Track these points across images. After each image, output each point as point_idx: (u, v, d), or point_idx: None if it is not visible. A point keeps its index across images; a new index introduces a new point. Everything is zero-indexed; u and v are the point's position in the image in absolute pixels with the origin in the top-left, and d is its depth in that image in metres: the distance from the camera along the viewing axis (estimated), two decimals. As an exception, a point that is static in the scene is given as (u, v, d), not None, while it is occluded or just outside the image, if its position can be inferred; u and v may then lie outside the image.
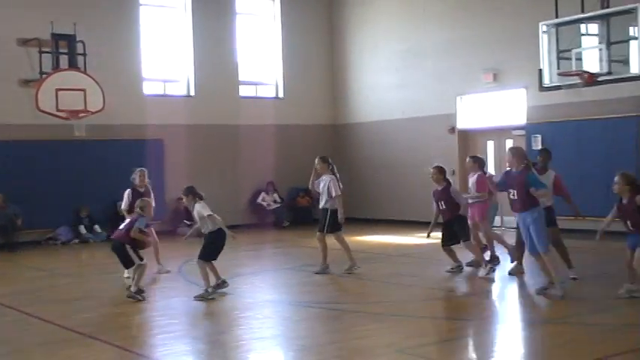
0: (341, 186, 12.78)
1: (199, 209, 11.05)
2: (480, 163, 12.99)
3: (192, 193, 11.19)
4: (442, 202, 12.34)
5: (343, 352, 7.89)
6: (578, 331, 8.56)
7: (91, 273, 14.35)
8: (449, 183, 12.47)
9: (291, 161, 22.25)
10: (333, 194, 12.58)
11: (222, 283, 11.09)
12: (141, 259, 10.97)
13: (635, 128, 16.76)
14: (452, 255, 12.58)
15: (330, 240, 12.79)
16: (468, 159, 13.24)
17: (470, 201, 12.66)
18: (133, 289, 10.85)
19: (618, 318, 9.06)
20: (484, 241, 13.10)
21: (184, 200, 11.43)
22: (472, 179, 12.86)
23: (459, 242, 12.36)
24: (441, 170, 12.48)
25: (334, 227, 12.75)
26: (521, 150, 10.87)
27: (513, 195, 10.42)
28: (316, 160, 13.02)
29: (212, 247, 11.08)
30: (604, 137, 17.27)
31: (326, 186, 12.68)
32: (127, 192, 13.09)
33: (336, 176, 12.80)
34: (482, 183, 12.54)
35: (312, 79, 23.73)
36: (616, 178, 9.29)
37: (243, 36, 22.68)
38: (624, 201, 9.39)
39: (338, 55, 24.01)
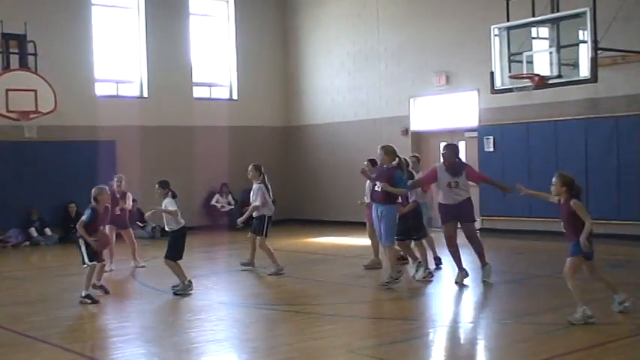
0: (271, 197, 13.21)
1: (167, 204, 11.23)
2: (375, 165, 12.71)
3: (169, 188, 11.35)
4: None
5: (296, 354, 7.90)
6: (527, 330, 8.67)
7: (42, 276, 14.15)
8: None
9: (244, 163, 21.87)
10: (256, 203, 12.98)
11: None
12: (90, 259, 10.84)
13: (584, 130, 17.07)
14: (409, 251, 12.48)
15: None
16: (366, 162, 13.10)
17: (367, 201, 12.89)
18: (83, 293, 10.73)
19: (565, 317, 9.18)
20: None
21: (157, 193, 11.39)
22: (368, 182, 12.72)
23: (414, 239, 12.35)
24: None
25: (261, 230, 13.13)
26: (392, 148, 11.51)
27: (377, 187, 11.23)
28: (249, 168, 13.40)
29: (177, 245, 11.32)
30: (554, 139, 17.55)
31: (254, 194, 13.10)
32: None
33: (266, 186, 13.14)
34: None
35: (266, 81, 23.72)
36: (554, 179, 9.22)
37: (197, 37, 22.58)
38: (561, 200, 9.34)
39: (291, 58, 24.03)
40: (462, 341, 8.54)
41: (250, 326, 9.40)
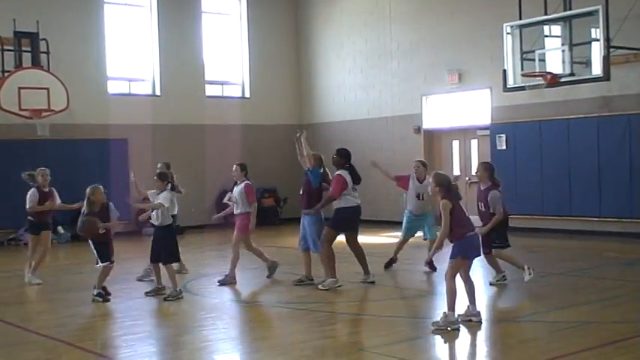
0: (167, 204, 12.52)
1: (163, 198, 10.98)
2: (246, 170, 12.42)
3: (168, 180, 11.18)
4: (482, 204, 11.05)
5: (308, 352, 7.90)
6: (537, 329, 8.65)
7: (54, 274, 14.19)
8: (494, 184, 10.91)
9: (256, 161, 22.18)
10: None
11: (162, 289, 11.10)
12: (103, 260, 10.80)
13: (596, 128, 17.00)
14: (494, 263, 11.30)
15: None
16: (235, 166, 12.53)
17: (236, 211, 12.29)
18: (94, 291, 10.74)
19: (576, 316, 9.17)
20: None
21: (155, 185, 11.17)
22: (238, 188, 12.30)
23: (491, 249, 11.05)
24: (486, 167, 11.12)
25: None
26: (317, 155, 11.89)
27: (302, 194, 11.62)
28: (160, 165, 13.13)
29: (174, 243, 11.05)
30: (566, 137, 17.50)
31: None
32: (31, 191, 12.67)
33: (174, 190, 12.30)
34: (250, 192, 12.20)
35: (278, 79, 23.73)
36: (430, 178, 8.94)
37: (209, 35, 22.62)
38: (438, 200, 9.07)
39: (304, 55, 24.03)
40: (473, 339, 8.51)
41: (262, 324, 9.41)
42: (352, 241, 11.85)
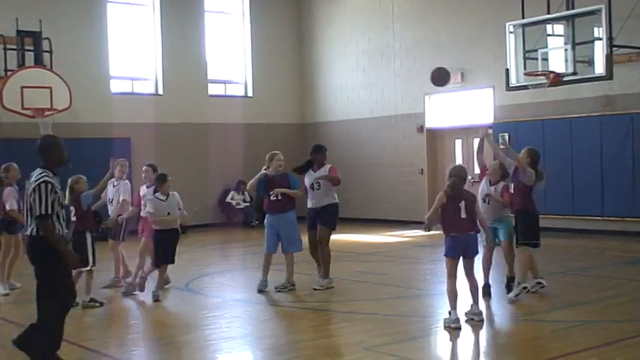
0: (127, 198, 11.92)
1: (179, 200, 10.98)
2: (157, 172, 11.62)
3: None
4: (512, 185, 10.78)
5: (311, 351, 7.92)
6: (539, 328, 8.66)
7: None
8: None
9: (259, 160, 21.97)
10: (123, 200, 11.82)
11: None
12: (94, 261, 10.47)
13: (599, 127, 17.00)
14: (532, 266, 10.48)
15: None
16: (145, 167, 12.07)
17: (142, 214, 11.46)
18: (85, 298, 10.41)
19: (578, 315, 9.18)
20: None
21: (163, 186, 10.92)
22: (151, 189, 11.45)
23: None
24: (529, 153, 11.08)
25: (118, 234, 11.91)
26: (275, 154, 11.66)
27: (275, 197, 11.16)
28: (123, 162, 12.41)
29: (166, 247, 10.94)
30: (569, 136, 17.49)
31: (118, 192, 11.96)
32: (8, 190, 11.82)
33: (129, 183, 12.12)
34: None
35: (281, 78, 23.73)
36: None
37: (212, 34, 22.62)
38: None
39: (307, 54, 24.03)
40: (475, 338, 8.52)
41: (265, 323, 9.41)
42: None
